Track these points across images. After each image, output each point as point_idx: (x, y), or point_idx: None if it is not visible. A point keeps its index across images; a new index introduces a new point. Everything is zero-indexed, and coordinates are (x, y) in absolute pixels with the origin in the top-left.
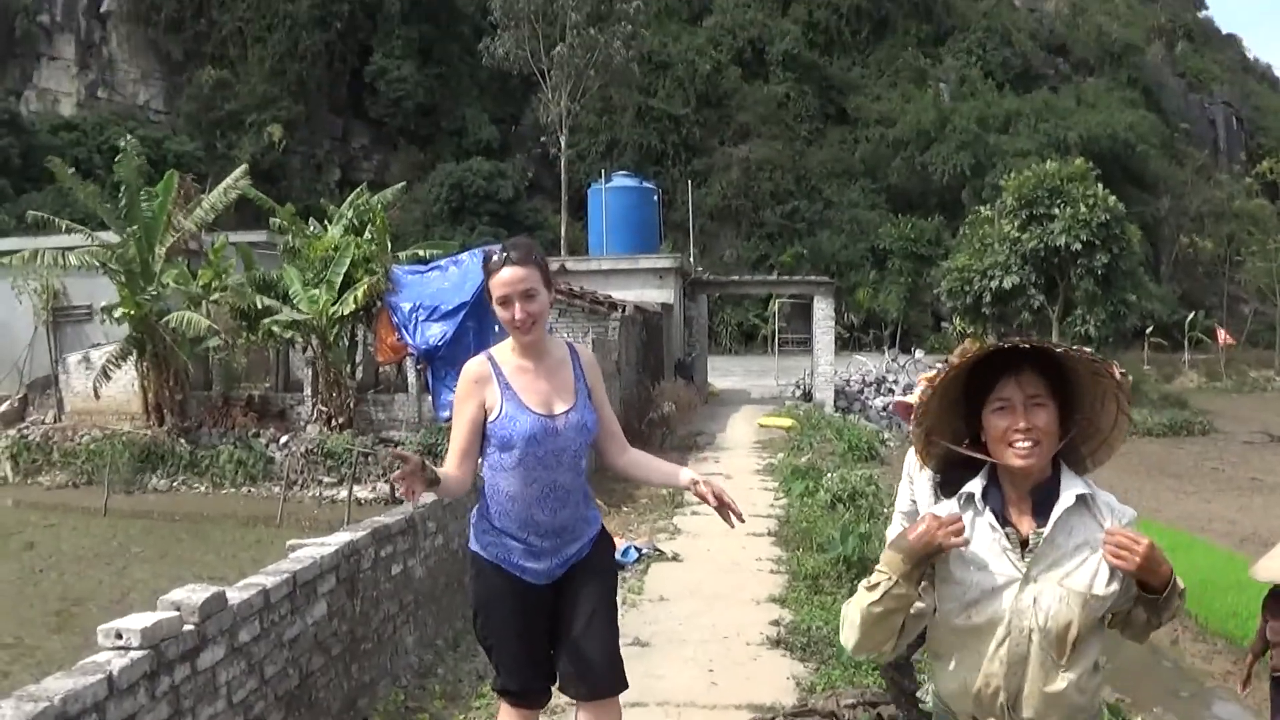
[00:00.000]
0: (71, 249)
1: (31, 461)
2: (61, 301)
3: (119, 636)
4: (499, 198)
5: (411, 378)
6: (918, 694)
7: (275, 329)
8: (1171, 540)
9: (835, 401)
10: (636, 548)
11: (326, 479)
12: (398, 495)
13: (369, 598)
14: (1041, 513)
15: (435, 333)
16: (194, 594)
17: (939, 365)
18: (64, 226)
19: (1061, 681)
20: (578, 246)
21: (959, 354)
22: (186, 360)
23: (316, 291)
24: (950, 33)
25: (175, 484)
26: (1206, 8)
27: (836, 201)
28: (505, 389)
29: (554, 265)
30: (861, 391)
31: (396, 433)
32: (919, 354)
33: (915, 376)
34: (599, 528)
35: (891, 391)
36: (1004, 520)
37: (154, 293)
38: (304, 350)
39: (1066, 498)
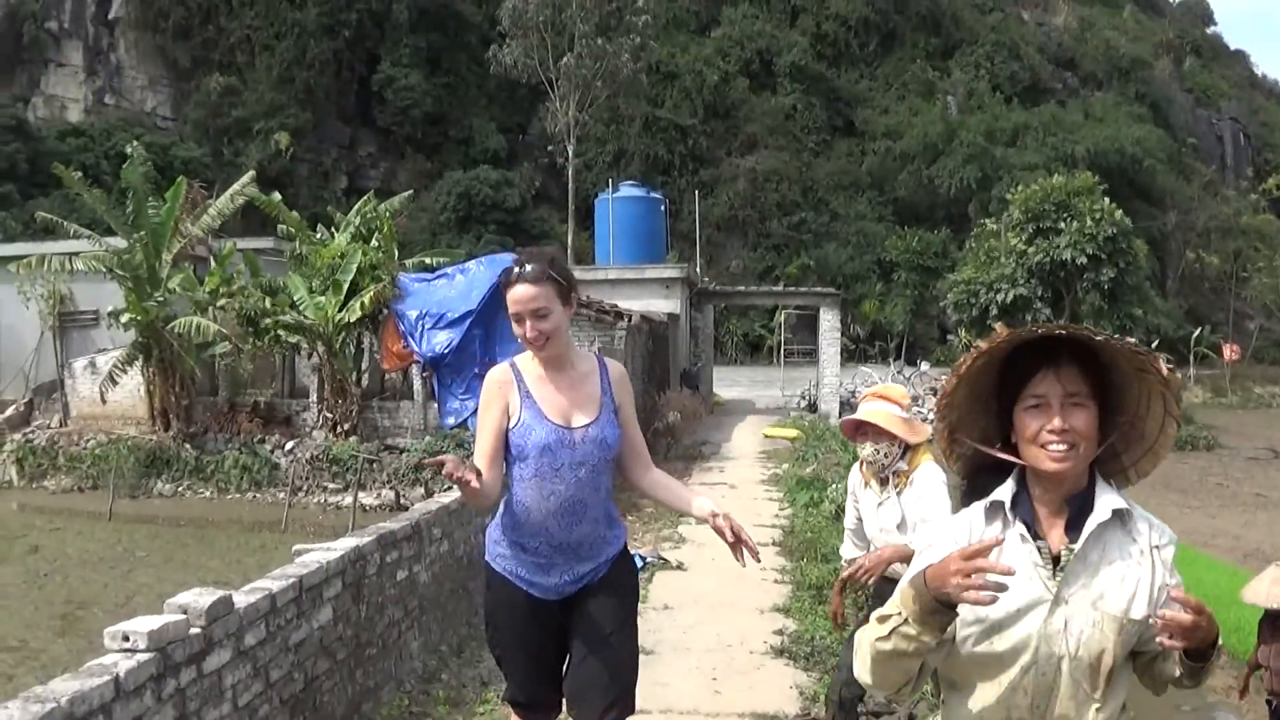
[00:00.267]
0: (78, 254)
1: (37, 465)
2: (68, 306)
3: (126, 639)
4: (506, 206)
5: (417, 385)
6: None
7: (282, 335)
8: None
9: (840, 413)
10: (641, 556)
11: (331, 485)
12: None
13: (374, 603)
14: (1074, 526)
15: (441, 340)
16: (201, 597)
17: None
18: (71, 232)
19: (1094, 717)
20: (584, 256)
21: (989, 340)
22: (193, 366)
23: (323, 298)
24: (958, 46)
25: (180, 489)
26: (1215, 23)
27: (843, 213)
28: (525, 397)
29: None
30: None
31: (402, 440)
32: (925, 366)
33: (921, 389)
34: (619, 548)
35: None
36: (1034, 534)
37: (161, 298)
38: (310, 357)
39: (1102, 510)
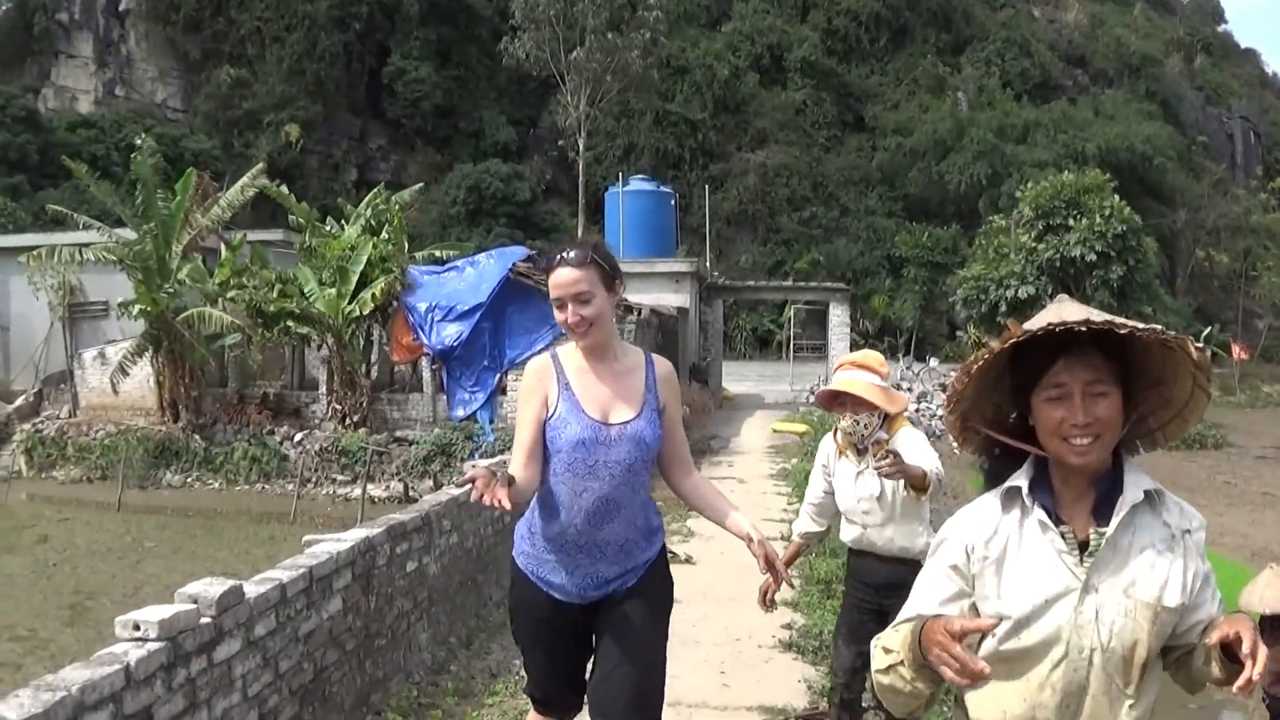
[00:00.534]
0: (88, 245)
1: (46, 456)
2: (78, 297)
3: (137, 628)
4: (516, 200)
5: (427, 377)
6: None
7: (291, 326)
8: None
9: None
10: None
11: (340, 477)
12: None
13: (384, 594)
14: (1100, 510)
15: (451, 333)
16: (211, 587)
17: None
18: (81, 223)
19: (1127, 715)
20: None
21: (1002, 339)
22: (203, 356)
23: (333, 290)
24: (969, 42)
25: (189, 480)
26: (1225, 22)
27: (853, 209)
28: (564, 389)
29: None
30: None
31: (411, 432)
32: (934, 362)
33: (930, 385)
34: (653, 555)
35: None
36: (1056, 519)
37: (170, 289)
38: (319, 349)
39: (1133, 493)
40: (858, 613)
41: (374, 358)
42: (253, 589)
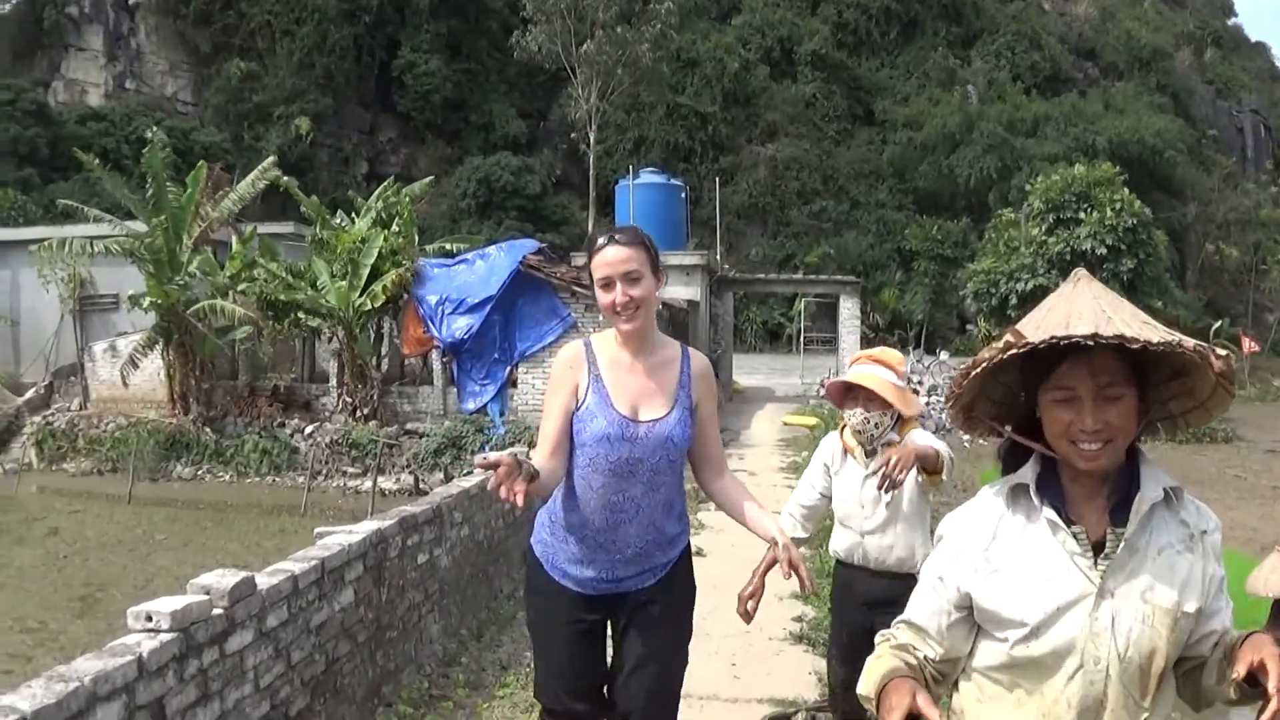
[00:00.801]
0: (99, 238)
1: (57, 448)
2: (88, 290)
3: (149, 619)
4: (526, 193)
5: (437, 370)
6: None
7: (302, 319)
8: None
9: None
10: None
11: (351, 470)
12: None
13: (395, 586)
14: (1115, 509)
15: (461, 326)
16: (224, 578)
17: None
18: (91, 216)
19: None
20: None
21: (1003, 345)
22: (214, 349)
23: (343, 283)
24: (979, 35)
25: (200, 472)
26: (1236, 15)
27: (864, 202)
28: (595, 380)
29: (579, 260)
30: None
31: (421, 424)
32: (944, 355)
33: (940, 378)
34: (675, 556)
35: (916, 392)
36: (1066, 520)
37: (181, 282)
38: (330, 341)
39: (1151, 490)
40: (848, 634)
41: (384, 350)
42: (265, 580)
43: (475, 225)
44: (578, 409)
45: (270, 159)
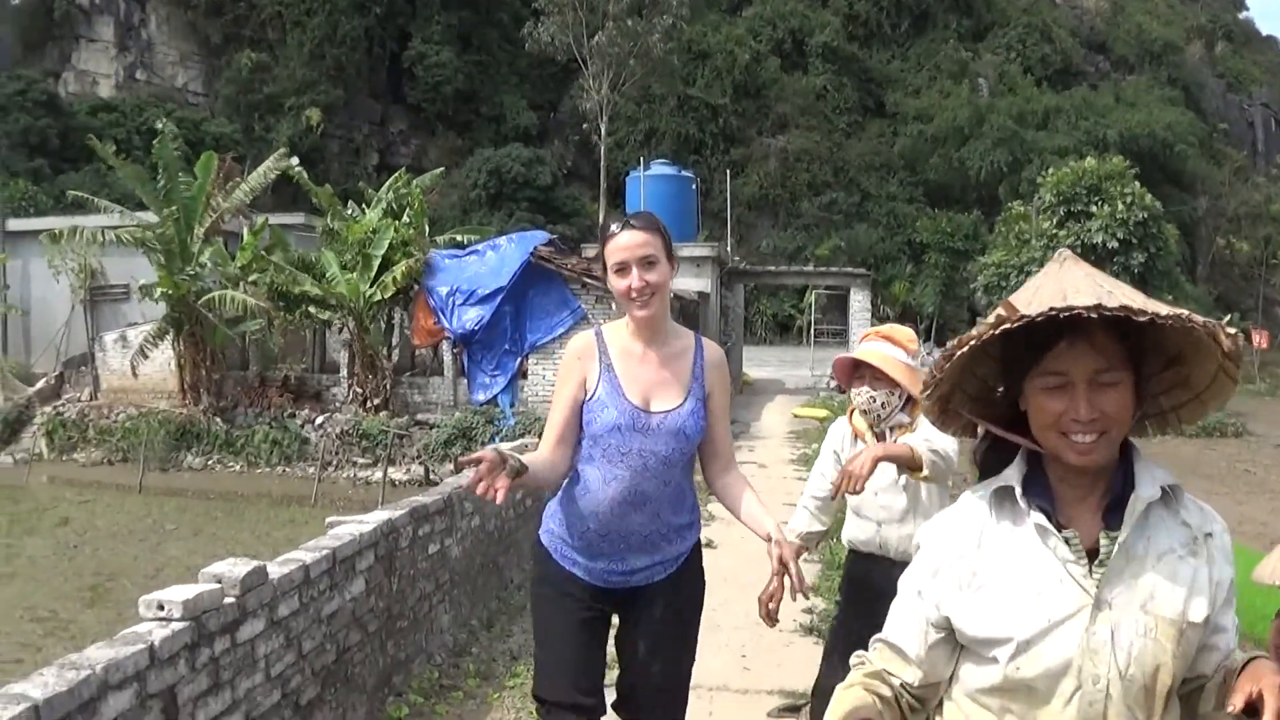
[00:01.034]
0: (110, 228)
1: (67, 438)
2: (99, 280)
3: (160, 608)
4: (537, 184)
5: (448, 361)
6: None
7: (313, 310)
8: None
9: None
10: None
11: (361, 460)
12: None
13: (406, 576)
14: (1108, 510)
15: (472, 317)
16: (235, 567)
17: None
18: (102, 207)
19: None
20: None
21: (993, 321)
22: (224, 339)
23: (354, 274)
24: (990, 28)
25: (210, 462)
26: (1247, 8)
27: (874, 194)
28: (606, 370)
29: (590, 252)
30: None
31: (432, 415)
32: None
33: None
34: (686, 548)
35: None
36: (1057, 524)
37: (192, 272)
38: (341, 332)
39: (1147, 489)
40: (858, 626)
41: (395, 341)
42: (276, 569)
43: (486, 216)
44: (589, 399)
45: (282, 150)
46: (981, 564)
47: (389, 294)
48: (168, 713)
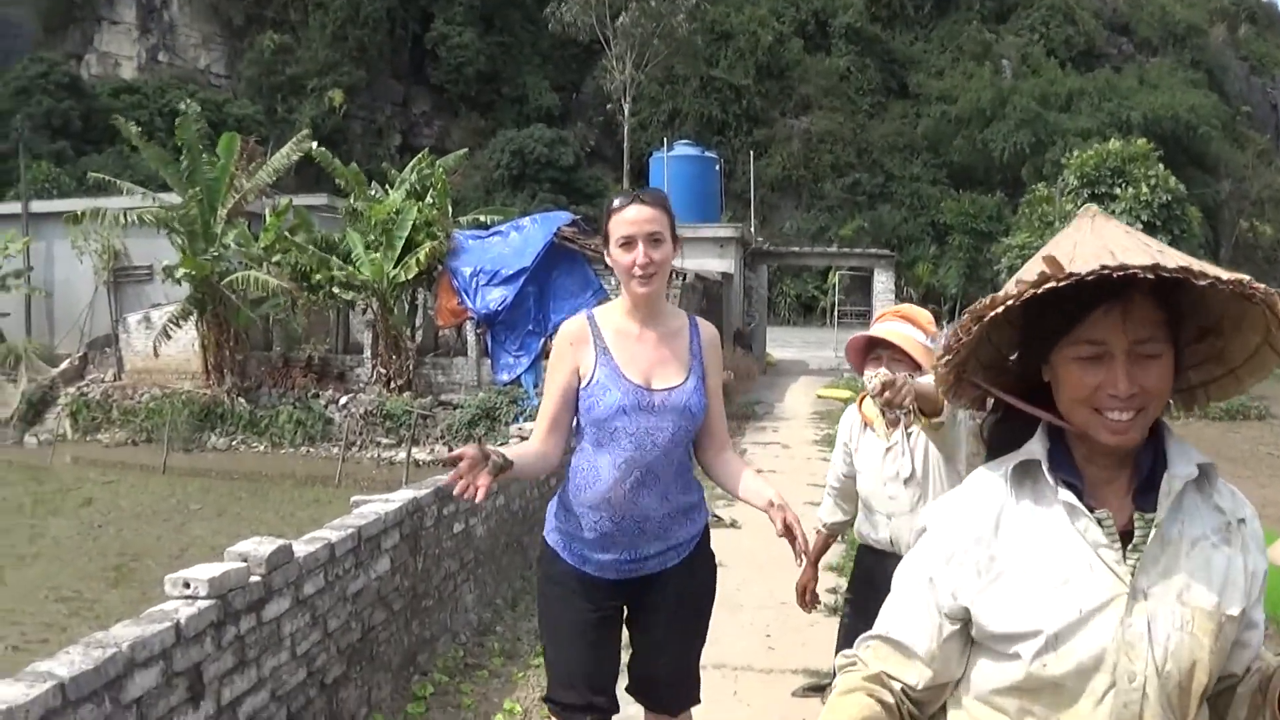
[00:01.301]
0: (133, 210)
1: (91, 419)
2: (122, 262)
3: (187, 586)
4: (560, 165)
5: (471, 341)
6: None
7: (336, 291)
8: None
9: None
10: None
11: (385, 440)
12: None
13: (431, 555)
14: (1138, 491)
15: (495, 297)
16: (261, 546)
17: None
18: (124, 188)
19: None
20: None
21: (1037, 277)
22: (248, 320)
23: (378, 255)
24: (1013, 9)
25: (234, 443)
26: None
27: (898, 175)
28: (602, 353)
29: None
30: None
31: (455, 396)
32: None
33: None
34: (696, 531)
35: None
36: (1087, 504)
37: (215, 253)
38: (364, 312)
39: (1183, 468)
40: (867, 628)
41: (419, 322)
42: (302, 548)
43: (509, 197)
44: (586, 385)
45: (305, 131)
46: (1001, 548)
47: (413, 275)
48: (193, 690)
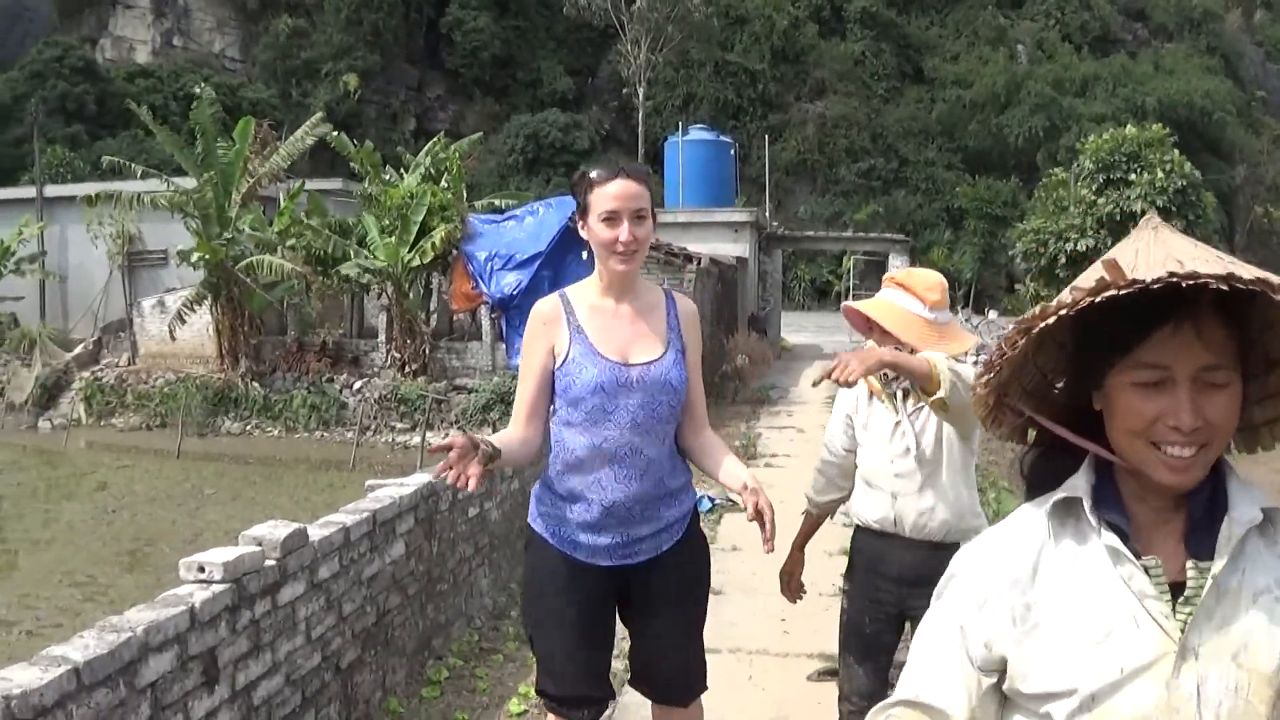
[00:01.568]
0: (148, 194)
1: (105, 403)
2: (136, 246)
3: (201, 570)
4: (574, 149)
5: (486, 326)
6: None
7: (352, 275)
8: None
9: None
10: (710, 497)
11: (399, 425)
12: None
13: (446, 539)
14: (1193, 536)
15: (510, 281)
16: (276, 530)
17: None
18: (139, 172)
19: None
20: (653, 199)
21: (1095, 284)
22: (263, 304)
23: (393, 239)
24: None
25: (248, 427)
26: None
27: (913, 160)
28: (576, 331)
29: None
30: None
31: (470, 380)
32: (992, 314)
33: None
34: (686, 511)
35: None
36: (1134, 549)
37: (229, 237)
38: (379, 297)
39: (1246, 510)
40: (871, 619)
41: (433, 306)
42: (317, 532)
43: (523, 182)
44: (561, 364)
45: (319, 115)
46: (1038, 596)
47: (428, 259)
48: (208, 675)
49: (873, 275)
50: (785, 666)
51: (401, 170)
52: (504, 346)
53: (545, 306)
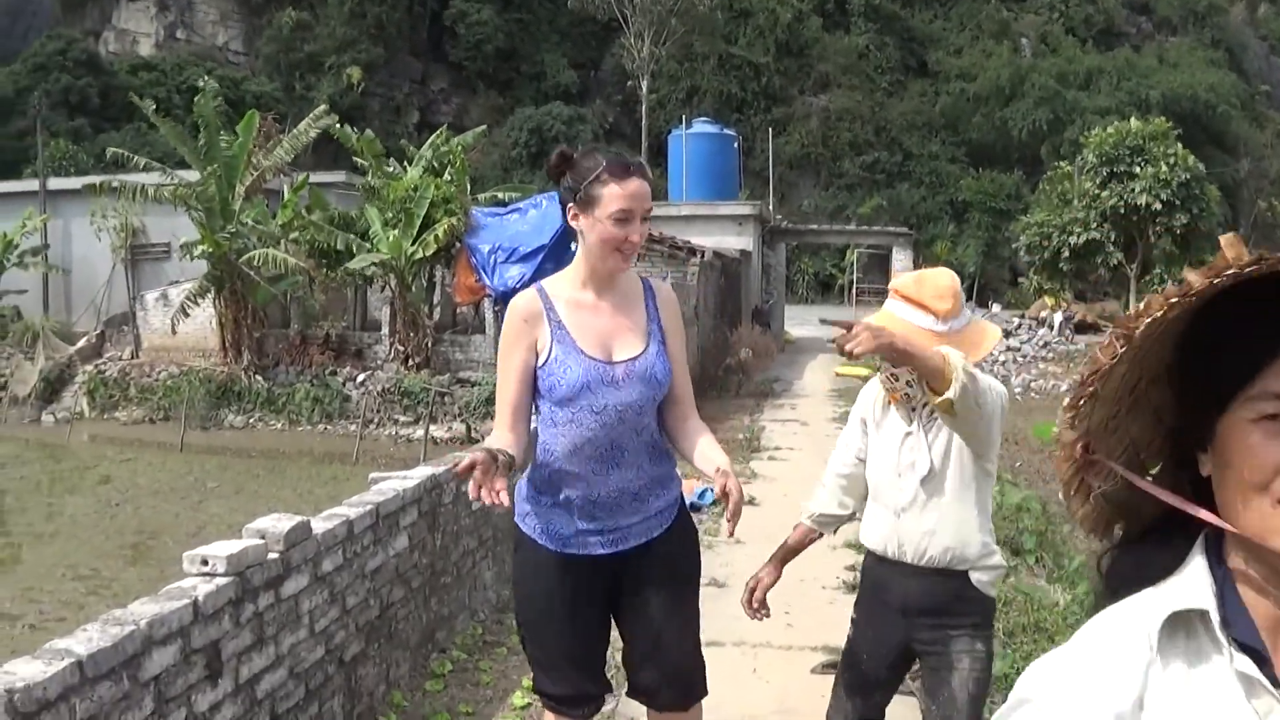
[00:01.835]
0: (151, 186)
1: (108, 397)
2: (140, 239)
3: (204, 563)
4: (578, 142)
5: (489, 319)
6: None
7: (359, 269)
8: None
9: None
10: (714, 490)
11: (403, 418)
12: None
13: (449, 532)
14: None
15: (513, 275)
16: (279, 523)
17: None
18: (142, 165)
19: None
20: (657, 192)
21: (1201, 274)
22: (266, 297)
23: (396, 232)
24: None
25: (251, 421)
26: None
27: (917, 154)
28: (557, 327)
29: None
30: None
31: (473, 373)
32: (996, 308)
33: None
34: (672, 499)
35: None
36: (1269, 672)
37: (233, 230)
38: (382, 290)
39: None
40: (869, 654)
41: (437, 299)
42: (320, 525)
43: (527, 175)
44: (543, 363)
45: (323, 107)
46: None
47: (431, 252)
48: (212, 668)
49: (876, 269)
50: (789, 659)
51: (405, 163)
52: None
53: (523, 302)
